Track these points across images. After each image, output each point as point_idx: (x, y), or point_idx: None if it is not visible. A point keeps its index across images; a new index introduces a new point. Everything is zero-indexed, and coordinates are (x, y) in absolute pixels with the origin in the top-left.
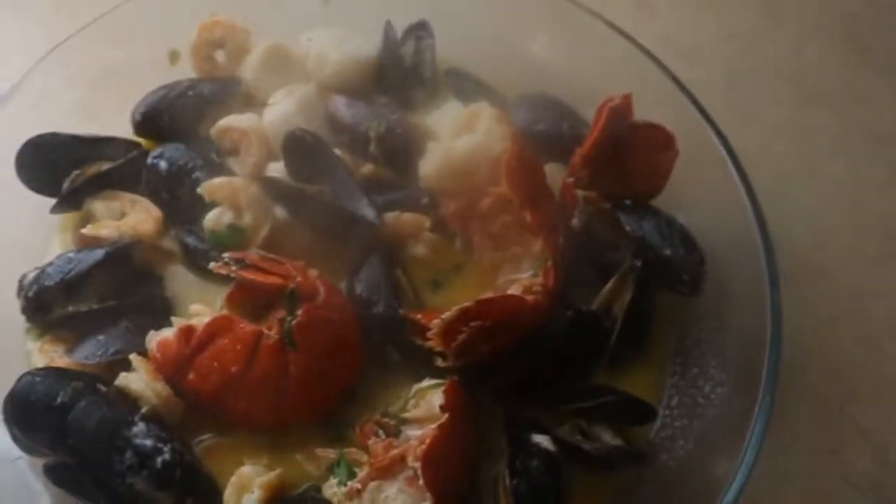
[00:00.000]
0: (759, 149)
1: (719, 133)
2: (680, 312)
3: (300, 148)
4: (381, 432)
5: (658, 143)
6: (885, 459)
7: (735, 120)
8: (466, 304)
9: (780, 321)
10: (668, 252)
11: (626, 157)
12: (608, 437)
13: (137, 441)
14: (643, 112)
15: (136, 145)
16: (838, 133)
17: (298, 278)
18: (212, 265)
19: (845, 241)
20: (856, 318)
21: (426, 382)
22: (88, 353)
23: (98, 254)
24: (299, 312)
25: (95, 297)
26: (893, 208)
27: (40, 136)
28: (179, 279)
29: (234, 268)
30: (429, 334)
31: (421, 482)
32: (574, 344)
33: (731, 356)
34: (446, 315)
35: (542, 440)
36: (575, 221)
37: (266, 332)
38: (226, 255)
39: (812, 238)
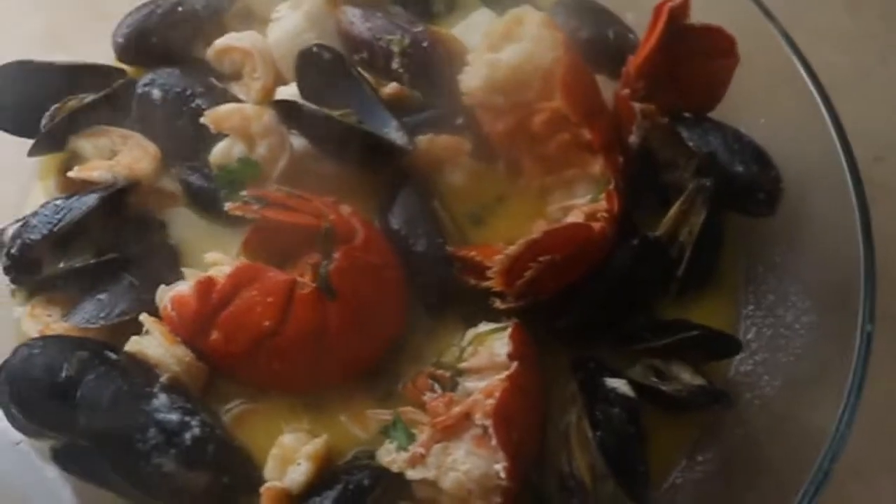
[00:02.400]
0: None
1: (786, 35)
2: (749, 235)
3: (317, 67)
4: (436, 386)
5: (718, 48)
6: None
7: None
8: (534, 236)
9: (872, 241)
10: (740, 169)
11: (682, 65)
12: (687, 377)
13: (161, 416)
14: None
15: (121, 72)
16: (888, 40)
17: (332, 216)
18: (228, 206)
19: None
20: None
21: (483, 327)
22: (90, 316)
23: (91, 199)
24: (336, 256)
25: (91, 250)
26: None
27: (7, 66)
28: (184, 224)
29: (255, 207)
30: (490, 272)
31: (494, 441)
32: (641, 276)
33: (812, 281)
34: (511, 250)
35: (618, 385)
36: (633, 138)
37: (300, 279)
38: (244, 193)
39: (867, 151)
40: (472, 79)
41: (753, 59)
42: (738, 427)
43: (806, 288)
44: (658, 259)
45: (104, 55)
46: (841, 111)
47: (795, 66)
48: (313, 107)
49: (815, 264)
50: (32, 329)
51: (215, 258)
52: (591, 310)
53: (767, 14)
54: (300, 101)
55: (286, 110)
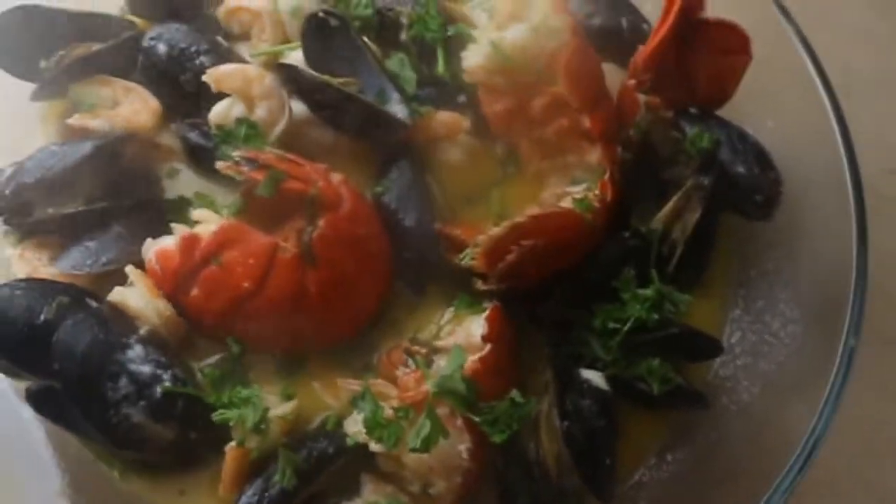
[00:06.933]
0: (827, 57)
1: (802, 38)
2: (743, 238)
3: (323, 32)
4: (410, 361)
5: (731, 44)
6: None
7: (804, 24)
8: (519, 219)
9: (867, 253)
10: (741, 169)
11: (693, 59)
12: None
13: (134, 367)
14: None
15: (131, 24)
16: None
17: (320, 183)
18: (219, 164)
19: None
20: None
21: (461, 307)
22: (76, 263)
23: (86, 147)
24: (321, 223)
25: (83, 198)
26: None
27: (19, 8)
28: (179, 180)
29: (245, 168)
30: (472, 252)
31: (459, 422)
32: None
33: (803, 290)
34: (495, 231)
35: (592, 376)
36: (633, 130)
37: (282, 244)
38: (236, 153)
39: (881, 163)
40: (474, 56)
41: (767, 59)
42: (713, 431)
43: (796, 297)
44: (647, 254)
45: (114, 6)
46: (859, 118)
47: (809, 70)
48: (313, 73)
49: (808, 274)
50: (21, 271)
51: (202, 215)
52: (574, 299)
53: (785, 14)
54: (301, 66)
55: (287, 74)
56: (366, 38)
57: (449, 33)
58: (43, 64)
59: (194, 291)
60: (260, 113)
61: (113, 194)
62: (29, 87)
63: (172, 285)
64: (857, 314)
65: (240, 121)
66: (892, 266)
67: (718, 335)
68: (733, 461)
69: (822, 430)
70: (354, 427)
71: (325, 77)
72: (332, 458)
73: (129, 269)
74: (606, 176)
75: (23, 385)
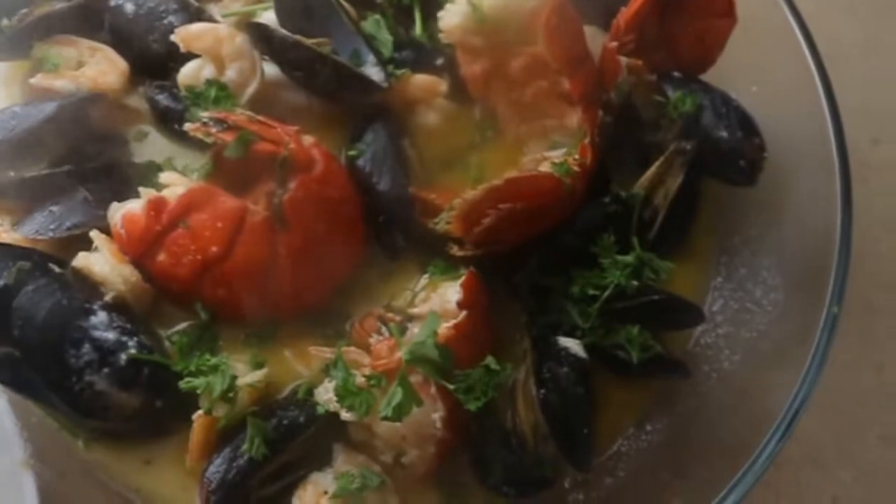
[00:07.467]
0: (813, 25)
1: (789, 2)
2: (726, 204)
3: None
4: (383, 329)
5: (715, 7)
6: None
7: None
8: (495, 182)
9: (851, 221)
10: (724, 134)
11: (677, 22)
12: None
13: (97, 333)
14: None
15: None
16: None
17: (291, 145)
18: (187, 126)
19: None
20: None
21: (437, 273)
22: (39, 227)
23: (49, 108)
24: (292, 185)
25: (46, 161)
26: None
27: None
28: (148, 143)
29: (214, 130)
30: (447, 217)
31: (433, 390)
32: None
33: (786, 258)
34: (470, 195)
35: (570, 344)
36: (614, 93)
37: (252, 207)
38: (205, 114)
39: (866, 129)
40: (452, 16)
41: (753, 22)
42: (693, 399)
43: (779, 264)
44: (628, 220)
45: None
46: (844, 86)
47: (796, 35)
48: (285, 32)
49: (791, 241)
50: None
51: (170, 178)
52: (552, 266)
53: None
54: (273, 25)
55: (259, 34)
56: None
57: None
58: (4, 22)
59: (161, 256)
60: (231, 74)
61: (78, 157)
62: None
63: (139, 250)
64: (840, 282)
65: (210, 82)
66: (875, 235)
67: (700, 303)
68: (714, 430)
69: (804, 399)
70: (326, 395)
71: (297, 36)
72: (302, 427)
73: (94, 233)
74: (587, 140)
75: None
